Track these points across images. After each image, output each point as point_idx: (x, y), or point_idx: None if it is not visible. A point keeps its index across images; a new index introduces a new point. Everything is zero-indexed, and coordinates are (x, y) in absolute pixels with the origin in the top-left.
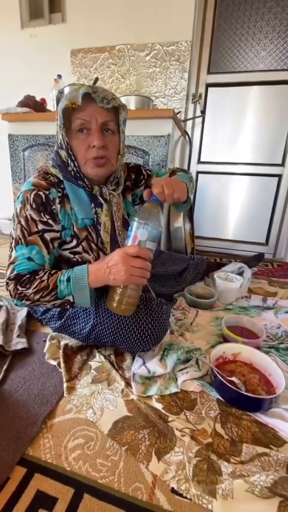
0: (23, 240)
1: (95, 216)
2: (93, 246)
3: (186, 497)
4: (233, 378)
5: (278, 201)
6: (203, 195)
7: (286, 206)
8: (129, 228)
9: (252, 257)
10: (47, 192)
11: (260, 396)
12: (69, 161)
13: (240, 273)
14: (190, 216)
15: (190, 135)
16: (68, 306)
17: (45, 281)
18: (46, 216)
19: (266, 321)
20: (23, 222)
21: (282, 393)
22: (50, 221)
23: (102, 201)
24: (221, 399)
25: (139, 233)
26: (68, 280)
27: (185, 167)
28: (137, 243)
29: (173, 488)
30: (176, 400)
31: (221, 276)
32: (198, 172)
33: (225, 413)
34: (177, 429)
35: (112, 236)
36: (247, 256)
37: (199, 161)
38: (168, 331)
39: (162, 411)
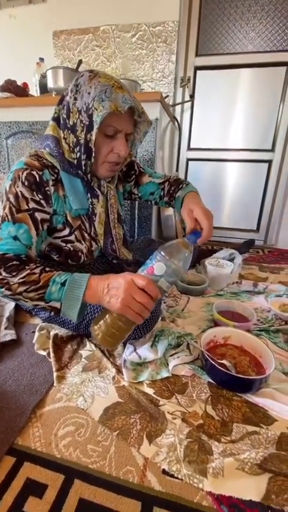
0: (9, 217)
1: (90, 206)
2: (86, 235)
3: (177, 478)
4: (224, 361)
5: (268, 187)
6: (193, 182)
7: (276, 192)
8: (151, 257)
9: (243, 243)
10: (40, 173)
11: (250, 377)
12: (85, 157)
13: (231, 259)
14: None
15: (179, 121)
16: (51, 312)
17: (37, 275)
18: (39, 195)
19: (257, 305)
20: (12, 199)
21: (272, 373)
22: (43, 201)
23: (98, 193)
24: (212, 382)
25: (157, 267)
26: (63, 284)
27: (175, 154)
28: (151, 276)
29: (164, 470)
30: (168, 384)
31: (212, 263)
32: (188, 159)
33: (216, 395)
34: (168, 412)
35: (106, 229)
36: (238, 244)
37: (189, 148)
38: (160, 318)
39: (154, 395)
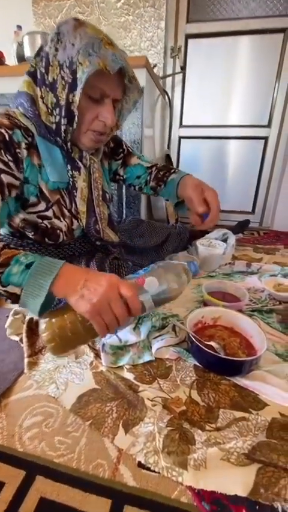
0: None
1: (71, 179)
2: (66, 212)
3: (154, 471)
4: (211, 343)
5: (264, 166)
6: (186, 162)
7: (272, 171)
8: (145, 268)
9: (237, 224)
10: (10, 132)
11: (238, 359)
12: (65, 121)
13: (225, 240)
14: None
15: (170, 96)
16: (7, 299)
17: None
18: (7, 156)
19: (250, 286)
20: None
21: (264, 354)
22: (11, 164)
23: (80, 165)
24: (199, 365)
25: (149, 281)
26: (28, 266)
27: (166, 132)
28: (138, 289)
29: (140, 463)
30: (150, 369)
31: (204, 243)
32: (180, 137)
33: (202, 379)
34: (148, 399)
35: (89, 206)
36: (232, 225)
37: (181, 125)
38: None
39: (134, 381)
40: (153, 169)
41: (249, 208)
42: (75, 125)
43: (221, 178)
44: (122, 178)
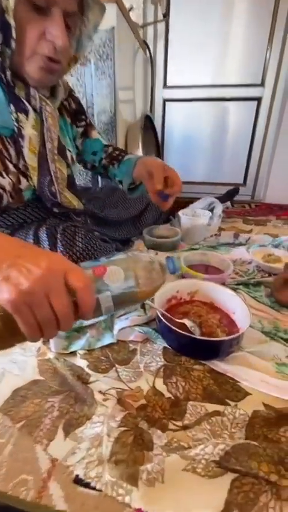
0: None
1: (15, 124)
2: (11, 166)
3: (94, 488)
4: (185, 320)
5: (256, 131)
6: (171, 128)
7: (265, 138)
8: (112, 255)
9: (226, 193)
10: None
11: (214, 339)
12: (0, 37)
13: (211, 210)
14: (157, 154)
15: (152, 51)
16: None
17: None
18: None
19: (237, 257)
20: None
21: (247, 332)
22: None
23: (28, 107)
24: (169, 348)
25: (112, 270)
26: None
27: (148, 94)
28: (95, 280)
29: (77, 477)
30: (109, 354)
31: (187, 213)
32: (165, 100)
33: (171, 364)
34: (100, 391)
35: (41, 162)
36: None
37: (165, 86)
38: None
39: (86, 369)
40: (110, 148)
41: (240, 180)
42: (13, 45)
43: (210, 146)
44: (77, 151)
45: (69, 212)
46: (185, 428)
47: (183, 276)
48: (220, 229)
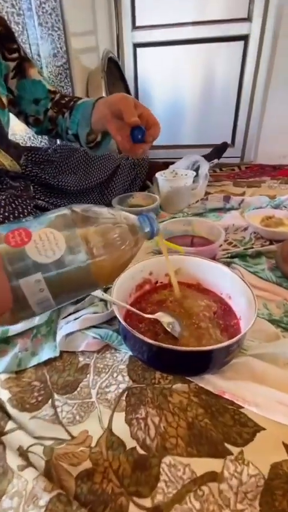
0: None
1: None
2: None
3: None
4: (158, 315)
5: (244, 80)
6: (145, 81)
7: (255, 86)
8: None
9: (213, 149)
10: None
11: (202, 348)
12: None
13: (196, 171)
14: None
15: None
16: None
17: None
18: None
19: (229, 224)
20: None
21: (252, 327)
22: None
23: None
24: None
25: (42, 240)
26: None
27: (114, 37)
28: (11, 255)
29: None
30: (46, 376)
31: (167, 175)
32: (135, 45)
33: (139, 386)
34: (18, 449)
35: None
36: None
37: (134, 27)
38: None
39: (7, 406)
40: (57, 94)
41: (227, 139)
42: None
43: (190, 102)
44: (12, 97)
45: (2, 175)
46: (156, 511)
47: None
48: (207, 193)
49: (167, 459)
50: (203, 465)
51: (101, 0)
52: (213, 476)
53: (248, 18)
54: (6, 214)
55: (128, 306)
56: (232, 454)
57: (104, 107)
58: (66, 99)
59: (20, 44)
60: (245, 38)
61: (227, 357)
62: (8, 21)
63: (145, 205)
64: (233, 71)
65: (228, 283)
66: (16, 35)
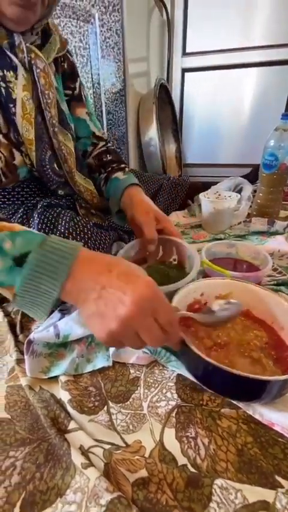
0: None
1: (2, 84)
2: (1, 138)
3: None
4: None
5: None
6: (192, 104)
7: None
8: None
9: (253, 170)
10: None
11: (262, 378)
12: None
13: (239, 192)
14: (174, 131)
15: (169, 9)
16: None
17: None
18: None
19: (273, 249)
20: None
21: None
22: None
23: (16, 62)
24: (189, 377)
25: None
26: (19, 260)
27: (165, 62)
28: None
29: None
30: (101, 383)
31: (210, 196)
32: (184, 70)
33: (188, 406)
34: (80, 448)
35: (39, 133)
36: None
37: (184, 53)
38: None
39: (68, 407)
40: (102, 143)
41: None
42: None
43: (236, 122)
44: None
45: (76, 195)
46: None
47: (206, 275)
48: (249, 215)
49: (219, 481)
50: (254, 493)
51: (155, 29)
52: (265, 506)
53: None
54: (41, 225)
55: (190, 314)
56: (283, 487)
57: (129, 206)
58: (109, 157)
59: (78, 85)
60: None
61: (284, 390)
62: (74, 55)
63: (184, 223)
64: (280, 93)
65: (280, 312)
66: (80, 66)
